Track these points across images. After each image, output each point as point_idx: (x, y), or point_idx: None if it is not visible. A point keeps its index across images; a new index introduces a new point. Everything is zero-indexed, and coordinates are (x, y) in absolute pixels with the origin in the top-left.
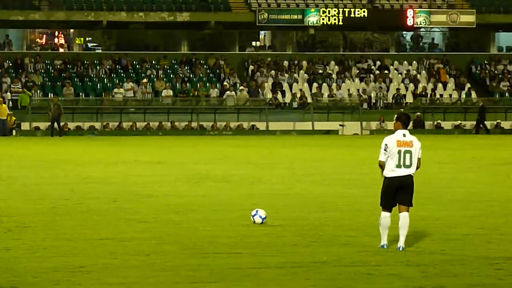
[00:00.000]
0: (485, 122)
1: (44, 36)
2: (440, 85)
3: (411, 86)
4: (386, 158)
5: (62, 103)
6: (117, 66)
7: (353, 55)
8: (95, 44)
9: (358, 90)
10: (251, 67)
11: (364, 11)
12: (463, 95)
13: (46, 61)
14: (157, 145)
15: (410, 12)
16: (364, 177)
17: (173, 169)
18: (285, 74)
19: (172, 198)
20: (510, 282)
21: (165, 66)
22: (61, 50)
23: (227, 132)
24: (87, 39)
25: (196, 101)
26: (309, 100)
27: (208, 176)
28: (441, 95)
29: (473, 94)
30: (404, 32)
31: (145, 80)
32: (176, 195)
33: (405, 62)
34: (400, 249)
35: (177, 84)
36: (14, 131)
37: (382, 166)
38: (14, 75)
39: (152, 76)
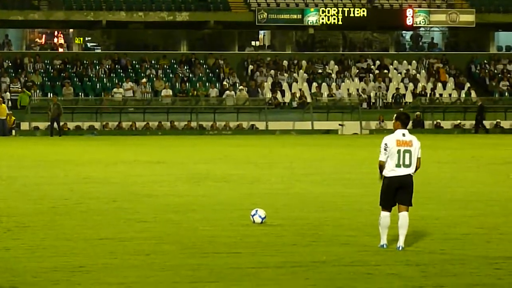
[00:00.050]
0: (485, 122)
1: (44, 36)
2: (439, 85)
3: (411, 86)
4: (386, 158)
5: (62, 103)
6: (117, 66)
7: (352, 55)
8: (94, 44)
9: (357, 90)
10: (251, 66)
11: (363, 11)
12: (463, 95)
13: (46, 61)
14: (156, 145)
15: (409, 12)
16: (364, 177)
17: (173, 169)
18: (285, 74)
19: (172, 198)
20: (509, 282)
21: (165, 66)
22: (60, 50)
23: (227, 132)
24: (86, 39)
25: (195, 100)
26: (309, 99)
27: (207, 175)
28: (441, 95)
29: (473, 94)
30: (403, 32)
31: (144, 80)
32: (176, 194)
33: (405, 61)
34: (400, 248)
35: (177, 84)
36: (13, 131)
37: (382, 166)
38: (13, 75)
39: (151, 75)
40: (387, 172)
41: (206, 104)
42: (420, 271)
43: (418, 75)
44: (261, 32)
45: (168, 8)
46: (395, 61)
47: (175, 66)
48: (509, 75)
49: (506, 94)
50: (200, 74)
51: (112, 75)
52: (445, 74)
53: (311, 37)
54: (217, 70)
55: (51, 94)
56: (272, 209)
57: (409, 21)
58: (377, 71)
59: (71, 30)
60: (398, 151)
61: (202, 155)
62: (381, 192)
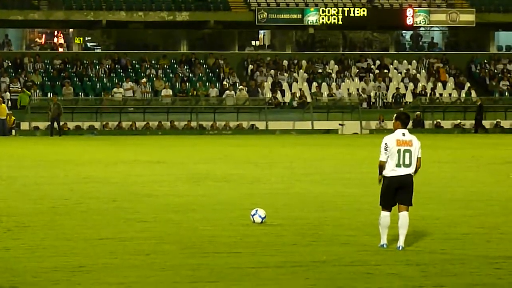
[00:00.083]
0: (485, 122)
1: (44, 35)
2: (439, 84)
3: (411, 86)
4: (387, 158)
5: (62, 102)
6: (117, 66)
7: (352, 55)
8: (94, 44)
9: (357, 90)
10: (251, 66)
11: (363, 11)
12: (463, 95)
13: (46, 61)
14: (156, 145)
15: (409, 11)
16: (364, 177)
17: (173, 169)
18: (285, 74)
19: (172, 198)
20: (509, 281)
21: (165, 66)
22: (60, 49)
23: (227, 132)
24: (86, 38)
25: (195, 100)
26: (309, 99)
27: (207, 175)
28: (441, 94)
29: (473, 94)
30: (403, 31)
31: (144, 80)
32: (176, 194)
33: (405, 61)
34: (400, 248)
35: (177, 84)
36: (13, 131)
37: (382, 166)
38: (13, 74)
39: (151, 75)
40: (388, 172)
41: (206, 104)
42: (420, 271)
43: (418, 74)
44: (261, 32)
45: (168, 8)
46: (395, 61)
47: (175, 66)
48: (509, 74)
49: (506, 94)
50: (200, 74)
51: (112, 75)
52: (445, 74)
53: (311, 37)
54: (217, 70)
55: (51, 94)
56: (272, 209)
57: (409, 21)
58: (377, 71)
59: (71, 30)
60: (398, 151)
61: (202, 155)
62: (381, 192)
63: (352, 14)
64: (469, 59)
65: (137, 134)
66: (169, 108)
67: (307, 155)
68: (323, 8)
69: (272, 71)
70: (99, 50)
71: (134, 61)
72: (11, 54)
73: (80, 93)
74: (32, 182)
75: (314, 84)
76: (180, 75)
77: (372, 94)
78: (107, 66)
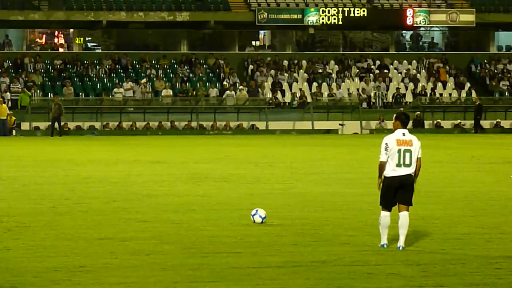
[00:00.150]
0: (485, 121)
1: (44, 36)
2: (439, 85)
3: (411, 86)
4: (387, 158)
5: (62, 103)
6: (117, 66)
7: (352, 55)
8: (94, 44)
9: (357, 90)
10: (251, 66)
11: (363, 11)
12: (463, 95)
13: (46, 61)
14: (157, 145)
15: (409, 12)
16: (364, 177)
17: (173, 169)
18: (285, 74)
19: (172, 198)
20: (510, 281)
21: (165, 66)
22: (61, 50)
23: (227, 132)
24: (86, 39)
25: (195, 100)
26: (309, 99)
27: (208, 175)
28: (441, 95)
29: (473, 94)
30: (403, 32)
31: (144, 80)
32: (176, 194)
33: (405, 61)
34: (400, 248)
35: (177, 84)
36: (14, 131)
37: (382, 167)
38: (14, 75)
39: (152, 75)
40: (388, 172)
41: (207, 104)
42: (420, 271)
43: (418, 75)
44: (261, 32)
45: (168, 8)
46: (395, 61)
47: (175, 66)
48: (509, 75)
49: (506, 94)
50: (201, 74)
51: (112, 75)
52: (445, 74)
53: (311, 37)
54: (217, 70)
55: (52, 94)
56: (272, 209)
57: (409, 21)
58: (377, 71)
59: (71, 30)
60: (399, 151)
61: (203, 155)
62: (381, 192)
63: (352, 14)
64: (469, 59)
65: (138, 134)
66: (170, 108)
67: (307, 155)
68: (323, 8)
69: (272, 71)
70: (100, 50)
71: (134, 61)
72: (11, 54)
73: (80, 93)
74: (32, 182)
75: (314, 84)
76: (181, 75)
77: (372, 94)
78: (107, 66)
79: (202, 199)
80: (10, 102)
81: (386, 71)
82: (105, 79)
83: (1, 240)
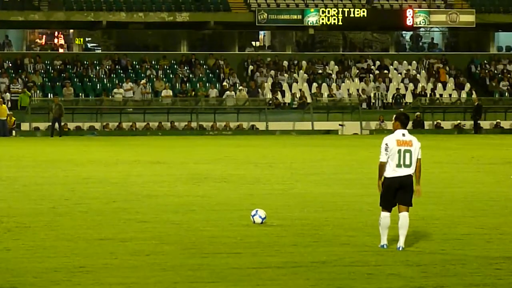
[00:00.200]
0: (485, 122)
1: (44, 36)
2: (439, 85)
3: (411, 86)
4: (387, 159)
5: (62, 103)
6: (117, 66)
7: (352, 55)
8: (94, 45)
9: (357, 90)
10: (251, 67)
11: (363, 11)
12: (463, 95)
13: (46, 62)
14: (156, 145)
15: (409, 12)
16: (364, 177)
17: (173, 169)
18: (285, 74)
19: (172, 198)
20: (510, 282)
21: (165, 66)
22: (60, 50)
23: (227, 132)
24: (86, 39)
25: (195, 101)
26: (309, 100)
27: (207, 176)
28: (441, 95)
29: (474, 94)
30: (403, 32)
31: (143, 81)
32: (176, 195)
33: (405, 62)
34: (400, 249)
35: (177, 84)
36: (14, 132)
37: (382, 167)
38: (13, 75)
39: (151, 76)
40: (388, 173)
41: (206, 105)
42: (420, 271)
43: (418, 75)
44: (261, 32)
45: (168, 9)
46: (395, 62)
47: (175, 66)
48: (509, 75)
49: (506, 94)
50: (200, 75)
51: (112, 75)
52: (445, 75)
53: (311, 38)
54: (217, 71)
55: (52, 95)
56: (272, 210)
57: (409, 22)
58: (377, 72)
59: (71, 30)
60: (399, 151)
61: (202, 155)
62: (381, 193)
63: (352, 15)
64: (469, 59)
65: (137, 134)
66: (169, 108)
67: (307, 156)
68: (323, 9)
69: (272, 72)
70: (100, 51)
71: (134, 62)
72: (11, 55)
73: (80, 94)
74: (32, 183)
75: (314, 84)
76: (180, 75)
77: (372, 94)
78: (107, 67)
79: (202, 200)
80: (10, 103)
81: (386, 71)
82: (105, 80)
83: (1, 241)
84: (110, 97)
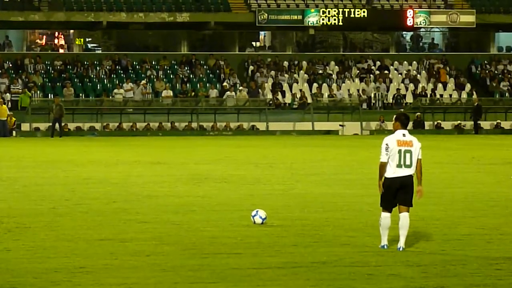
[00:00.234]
0: (485, 122)
1: (44, 37)
2: (440, 85)
3: (411, 86)
4: (388, 159)
5: (62, 103)
6: (117, 67)
7: (353, 55)
8: (95, 45)
9: (358, 90)
10: (251, 67)
11: (364, 12)
12: (463, 95)
13: (46, 62)
14: (157, 146)
15: (410, 12)
16: (364, 177)
17: (173, 170)
18: (285, 75)
19: (172, 199)
20: (510, 282)
21: (165, 67)
22: (61, 50)
23: (227, 133)
24: (87, 39)
25: (196, 101)
26: (309, 100)
27: (208, 176)
28: (441, 95)
29: (474, 95)
30: (404, 32)
31: (143, 82)
32: (176, 195)
33: (405, 62)
34: (400, 249)
35: (177, 85)
36: (14, 132)
37: (383, 167)
38: (14, 75)
39: (152, 76)
40: (389, 173)
41: (207, 105)
42: (420, 272)
43: (418, 75)
44: (262, 32)
45: (168, 9)
46: (396, 62)
47: (175, 67)
48: (509, 75)
49: (506, 95)
50: (201, 75)
51: (112, 76)
52: (446, 75)
53: (312, 38)
54: (217, 71)
55: (52, 95)
56: (272, 210)
57: (409, 22)
58: (377, 72)
59: (71, 31)
60: (399, 151)
61: (203, 155)
62: (381, 193)
63: (352, 15)
64: (470, 60)
65: (138, 135)
66: (170, 109)
67: (307, 156)
68: (324, 9)
69: (273, 72)
70: (100, 51)
71: (134, 62)
72: (11, 55)
73: (80, 94)
74: (32, 183)
75: (315, 85)
76: (181, 76)
77: (372, 95)
78: (107, 67)
79: (202, 200)
80: (10, 103)
81: (386, 72)
82: (105, 80)
83: (1, 241)
84: (111, 97)
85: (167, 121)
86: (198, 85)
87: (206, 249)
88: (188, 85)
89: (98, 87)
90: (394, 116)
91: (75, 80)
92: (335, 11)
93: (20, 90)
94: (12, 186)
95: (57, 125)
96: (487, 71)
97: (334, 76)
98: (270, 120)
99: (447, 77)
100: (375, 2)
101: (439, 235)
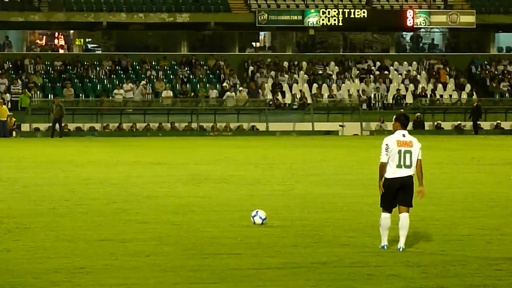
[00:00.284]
0: (485, 122)
1: (44, 37)
2: (440, 86)
3: (411, 87)
4: (388, 159)
5: (62, 104)
6: (117, 67)
7: (353, 56)
8: (95, 45)
9: (358, 91)
10: (251, 68)
11: (364, 12)
12: (463, 96)
13: (46, 62)
14: (157, 146)
15: (410, 13)
16: (364, 178)
17: (173, 170)
18: (285, 75)
19: (172, 199)
20: (510, 283)
21: (165, 67)
22: (61, 51)
23: (227, 133)
24: (87, 40)
25: (196, 102)
26: (309, 100)
27: (208, 177)
28: (441, 96)
29: (474, 95)
30: (404, 33)
31: (143, 82)
32: (176, 196)
33: (405, 62)
34: (400, 249)
35: (177, 85)
36: (14, 132)
37: (383, 168)
38: (14, 76)
39: (152, 77)
40: (389, 174)
41: (207, 105)
42: (420, 272)
43: (418, 76)
44: (262, 33)
45: (168, 9)
46: (396, 62)
47: (175, 67)
48: (509, 76)
49: (506, 95)
50: (201, 75)
51: (112, 76)
52: (446, 75)
53: (312, 38)
54: (217, 71)
55: (52, 96)
56: (272, 210)
57: (409, 22)
58: (377, 72)
59: (71, 31)
60: (399, 152)
61: (203, 156)
62: (381, 193)
63: (352, 16)
64: (470, 60)
65: (138, 135)
66: (170, 109)
67: (307, 157)
68: (324, 10)
69: (273, 73)
70: (100, 52)
71: (134, 63)
72: (11, 56)
73: (80, 95)
74: (32, 183)
75: (315, 85)
76: (181, 76)
77: (372, 95)
78: (107, 68)
79: (202, 201)
80: (10, 104)
81: (386, 72)
82: (105, 81)
83: (1, 242)
84: (111, 98)
85: (167, 121)
86: (198, 85)
87: (206, 250)
88: (188, 85)
89: (98, 88)
90: (394, 116)
91: (75, 80)
92: (335, 11)
93: (20, 91)
94: (12, 186)
95: (57, 125)
96: (487, 72)
97: (334, 76)
98: (270, 121)
99: (447, 78)
100: (375, 2)
101: (439, 235)
